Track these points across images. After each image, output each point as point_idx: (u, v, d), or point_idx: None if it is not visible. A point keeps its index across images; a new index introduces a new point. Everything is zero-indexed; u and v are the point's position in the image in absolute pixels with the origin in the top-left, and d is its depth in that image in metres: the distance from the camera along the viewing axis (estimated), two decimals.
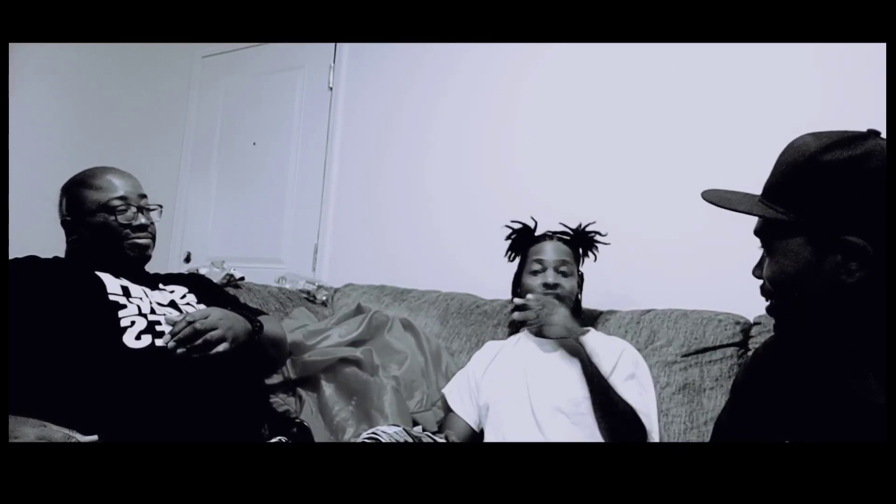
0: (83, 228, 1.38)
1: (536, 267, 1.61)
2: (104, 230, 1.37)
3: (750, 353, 1.50)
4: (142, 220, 1.40)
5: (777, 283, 0.84)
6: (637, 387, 1.47)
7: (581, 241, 1.69)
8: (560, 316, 1.51)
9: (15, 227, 1.67)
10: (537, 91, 2.31)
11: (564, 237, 1.67)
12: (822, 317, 0.83)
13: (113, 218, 1.37)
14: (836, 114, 1.49)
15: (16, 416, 1.03)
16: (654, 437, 1.44)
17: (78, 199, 1.39)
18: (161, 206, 1.50)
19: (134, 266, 1.42)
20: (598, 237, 1.69)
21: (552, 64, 2.28)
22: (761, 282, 0.88)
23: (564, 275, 1.60)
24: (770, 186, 0.86)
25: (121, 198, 1.38)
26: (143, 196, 1.44)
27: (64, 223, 1.42)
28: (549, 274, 1.59)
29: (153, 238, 1.45)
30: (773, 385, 0.92)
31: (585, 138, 2.18)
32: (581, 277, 1.68)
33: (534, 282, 1.59)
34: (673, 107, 2.03)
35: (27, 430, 1.01)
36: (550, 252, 1.62)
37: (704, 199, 0.89)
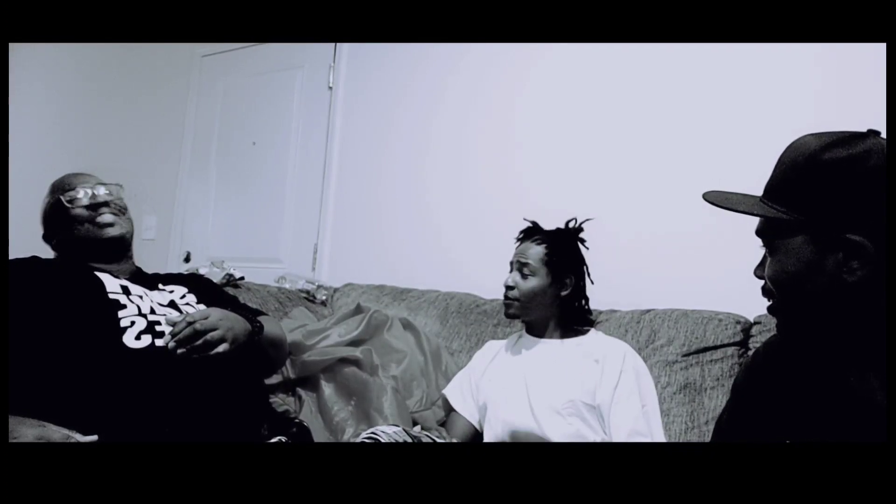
0: (55, 234, 1.41)
1: (510, 269, 1.62)
2: (71, 223, 1.39)
3: (750, 353, 1.50)
4: (99, 199, 1.41)
5: (778, 282, 0.84)
6: (638, 402, 1.44)
7: (558, 242, 1.60)
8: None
9: (15, 228, 1.67)
10: (537, 91, 2.31)
11: (533, 236, 1.61)
12: (824, 316, 0.83)
13: (71, 209, 1.39)
14: (836, 114, 1.49)
15: (15, 416, 1.03)
16: (660, 436, 1.44)
17: (44, 212, 1.43)
18: (120, 185, 1.49)
19: (116, 251, 1.42)
20: (578, 240, 1.62)
21: (552, 64, 2.28)
22: (762, 282, 0.88)
23: (525, 276, 1.57)
24: (771, 186, 0.86)
25: (73, 188, 1.40)
26: (103, 184, 1.45)
27: (44, 239, 1.44)
28: (510, 276, 1.59)
29: (121, 212, 1.44)
30: (774, 384, 0.92)
31: (585, 138, 2.18)
32: (565, 279, 1.58)
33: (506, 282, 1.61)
34: (673, 107, 2.03)
35: (26, 431, 1.00)
36: (517, 253, 1.61)
37: (706, 200, 0.89)
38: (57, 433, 1.02)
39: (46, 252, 1.43)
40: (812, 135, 0.83)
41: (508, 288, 1.58)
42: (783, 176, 0.84)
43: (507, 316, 1.62)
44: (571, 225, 1.64)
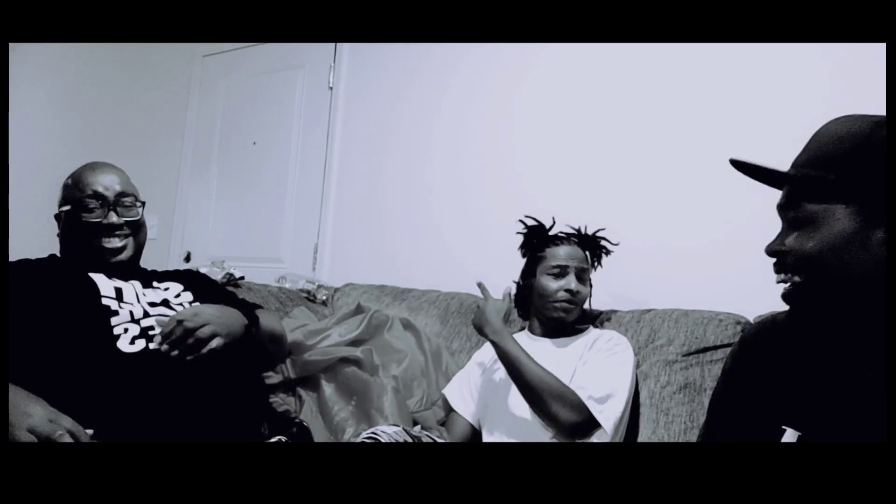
0: (62, 224, 1.39)
1: (556, 270, 1.58)
2: (76, 228, 1.36)
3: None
4: (113, 219, 1.35)
5: (819, 254, 0.78)
6: (598, 363, 1.48)
7: (591, 247, 1.66)
8: (490, 312, 1.52)
9: (15, 228, 1.67)
10: (537, 91, 2.30)
11: (575, 240, 1.64)
12: (861, 297, 0.77)
13: (83, 215, 1.34)
14: (837, 114, 1.48)
15: (28, 393, 1.03)
16: (611, 420, 1.40)
17: (63, 195, 1.39)
18: (143, 202, 1.42)
19: (116, 269, 1.37)
20: (607, 244, 1.67)
21: (552, 64, 2.28)
22: (774, 259, 0.84)
23: (583, 281, 1.60)
24: (807, 160, 0.82)
25: (93, 195, 1.35)
26: (124, 194, 1.38)
27: (56, 217, 1.42)
28: (571, 280, 1.57)
29: (131, 235, 1.39)
30: (769, 371, 0.88)
31: (585, 139, 2.18)
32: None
33: (553, 284, 1.57)
34: (671, 107, 2.03)
35: (37, 409, 1.00)
36: (571, 257, 1.59)
37: (732, 165, 0.84)
38: (66, 419, 1.02)
39: (47, 251, 1.43)
40: (850, 116, 0.81)
41: (573, 294, 1.57)
42: (823, 149, 0.80)
43: (560, 319, 1.59)
44: (591, 231, 1.67)
